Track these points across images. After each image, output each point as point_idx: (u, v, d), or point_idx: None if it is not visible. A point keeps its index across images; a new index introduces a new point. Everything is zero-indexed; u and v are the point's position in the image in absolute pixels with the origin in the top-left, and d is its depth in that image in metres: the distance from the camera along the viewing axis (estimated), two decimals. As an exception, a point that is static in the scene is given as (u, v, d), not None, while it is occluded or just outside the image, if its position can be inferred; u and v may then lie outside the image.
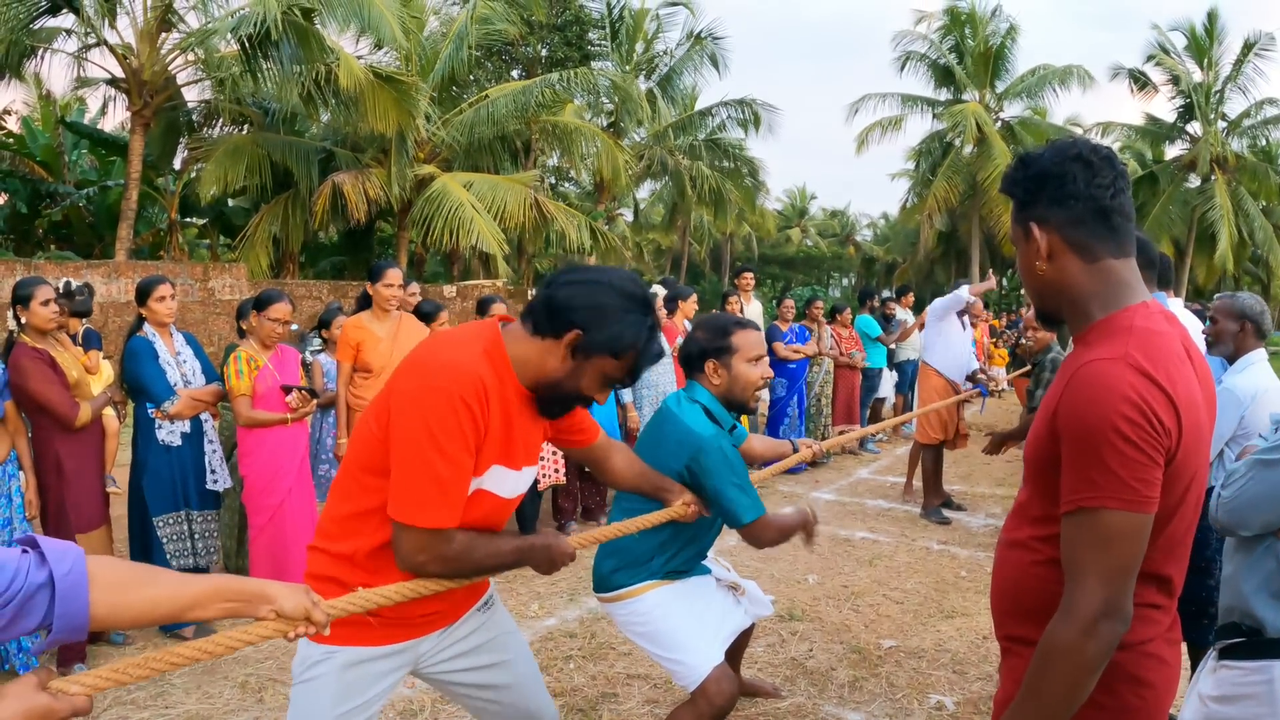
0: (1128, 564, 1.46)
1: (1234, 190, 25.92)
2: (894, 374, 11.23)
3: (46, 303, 4.04)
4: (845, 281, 60.10)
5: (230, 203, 19.69)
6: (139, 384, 4.38)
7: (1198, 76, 26.86)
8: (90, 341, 5.96)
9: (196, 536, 4.56)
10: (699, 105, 27.07)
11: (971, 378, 7.32)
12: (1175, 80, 26.70)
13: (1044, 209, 1.61)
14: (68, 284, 5.81)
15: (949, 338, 7.31)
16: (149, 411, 4.45)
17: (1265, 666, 2.03)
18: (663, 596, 2.92)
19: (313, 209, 15.68)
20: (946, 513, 7.32)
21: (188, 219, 21.77)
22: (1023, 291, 37.66)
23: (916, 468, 7.68)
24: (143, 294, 4.51)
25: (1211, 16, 26.46)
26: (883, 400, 11.22)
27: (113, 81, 15.21)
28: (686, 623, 2.92)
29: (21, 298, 4.02)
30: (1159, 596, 1.59)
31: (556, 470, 6.22)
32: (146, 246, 20.78)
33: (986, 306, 29.85)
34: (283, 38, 12.61)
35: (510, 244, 21.71)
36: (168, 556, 4.42)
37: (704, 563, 3.16)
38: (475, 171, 18.12)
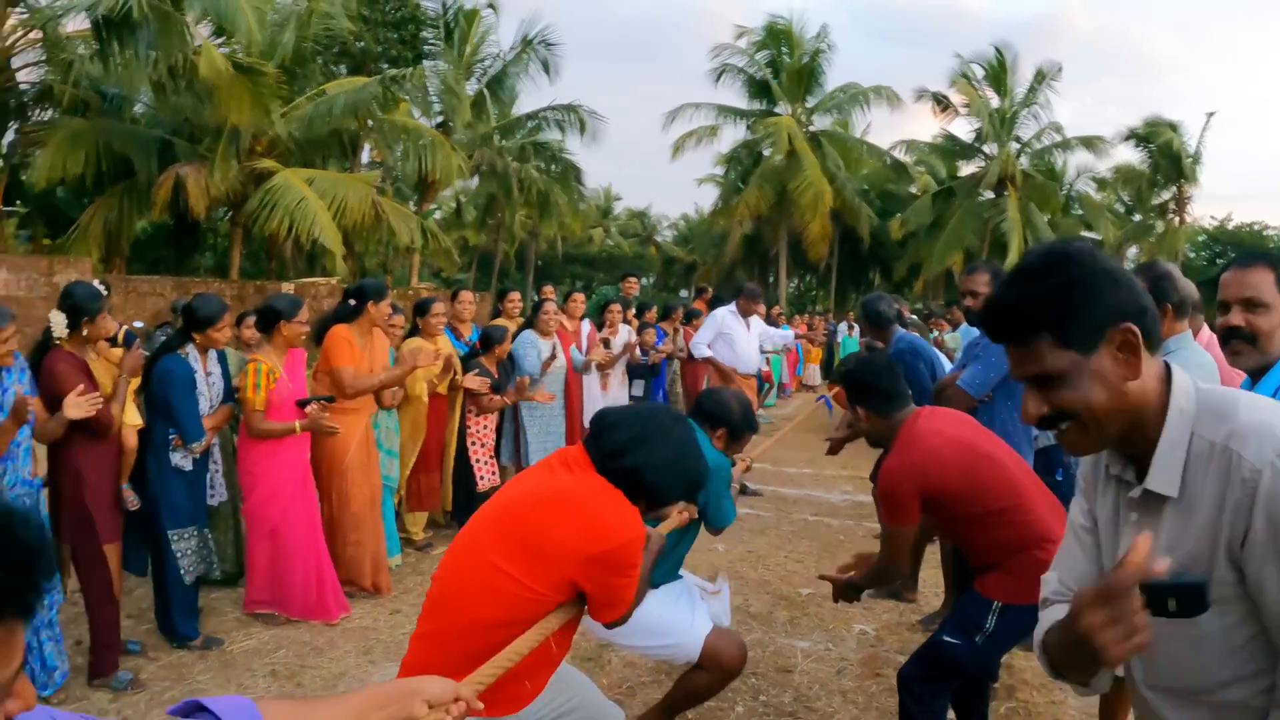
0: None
1: (1024, 205, 28.98)
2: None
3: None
4: (644, 281, 61.61)
5: (57, 192, 18.47)
6: (172, 414, 4.42)
7: (995, 102, 29.74)
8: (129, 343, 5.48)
9: (208, 549, 4.68)
10: (524, 108, 27.38)
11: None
12: (974, 105, 29.46)
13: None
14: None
15: (732, 339, 8.29)
16: (169, 437, 4.45)
17: None
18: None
19: (152, 200, 15.14)
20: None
21: (8, 208, 20.09)
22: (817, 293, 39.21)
23: None
24: (202, 321, 4.53)
25: (1000, 50, 29.25)
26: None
27: (-58, 61, 14.18)
28: (662, 608, 3.27)
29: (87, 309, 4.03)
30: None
31: (493, 474, 6.71)
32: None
33: (803, 309, 31.24)
34: (144, 21, 12.06)
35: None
36: (181, 571, 4.49)
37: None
38: (309, 167, 17.96)
